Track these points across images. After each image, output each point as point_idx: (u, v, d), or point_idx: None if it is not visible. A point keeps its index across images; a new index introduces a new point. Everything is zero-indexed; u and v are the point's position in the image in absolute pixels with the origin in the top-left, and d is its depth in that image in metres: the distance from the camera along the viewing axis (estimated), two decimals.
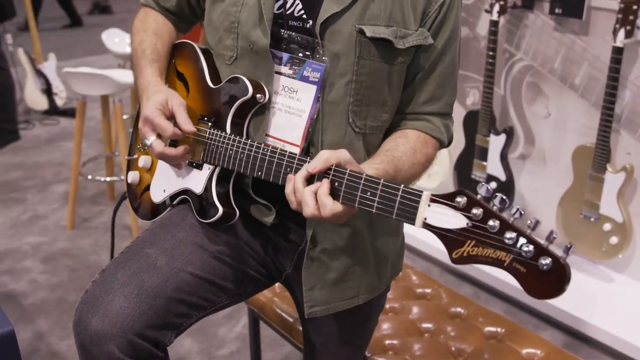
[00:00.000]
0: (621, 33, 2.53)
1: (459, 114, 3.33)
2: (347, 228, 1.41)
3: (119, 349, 1.23)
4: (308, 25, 1.33)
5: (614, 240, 2.74)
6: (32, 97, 5.40)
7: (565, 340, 2.72)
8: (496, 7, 2.90)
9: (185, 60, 1.50)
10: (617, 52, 2.55)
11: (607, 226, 2.75)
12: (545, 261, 0.99)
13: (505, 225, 1.02)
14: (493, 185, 3.14)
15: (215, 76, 1.43)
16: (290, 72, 1.36)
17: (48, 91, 5.42)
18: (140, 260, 1.33)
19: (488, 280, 3.03)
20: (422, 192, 1.09)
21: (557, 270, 0.99)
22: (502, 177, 3.10)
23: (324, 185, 1.17)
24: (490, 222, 1.02)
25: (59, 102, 5.48)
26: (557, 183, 3.01)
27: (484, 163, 3.14)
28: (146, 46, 1.48)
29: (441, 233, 1.07)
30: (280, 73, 1.37)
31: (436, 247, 3.23)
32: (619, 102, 2.70)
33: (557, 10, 2.81)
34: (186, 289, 1.34)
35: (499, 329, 1.96)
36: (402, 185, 1.12)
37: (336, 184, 1.17)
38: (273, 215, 1.41)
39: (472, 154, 3.20)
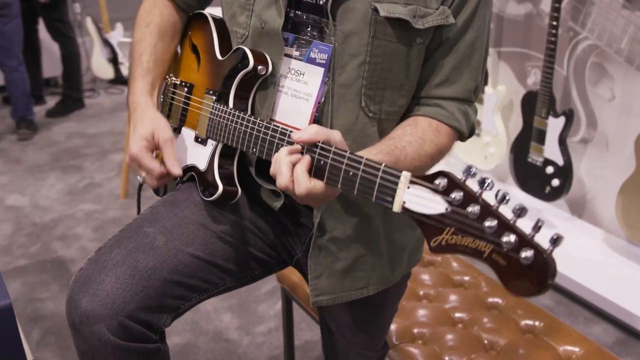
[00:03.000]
0: None
1: (519, 93, 3.19)
2: (359, 216, 1.33)
3: (109, 330, 1.19)
4: (321, 2, 1.24)
5: None
6: (99, 66, 5.48)
7: (619, 336, 2.58)
8: None
9: (199, 31, 1.44)
10: None
11: None
12: (527, 254, 0.86)
13: (486, 211, 0.90)
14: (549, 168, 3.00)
15: (226, 48, 1.37)
16: (297, 53, 1.27)
17: (114, 60, 5.48)
18: (137, 240, 1.29)
19: None
20: (401, 172, 1.00)
21: (540, 264, 0.86)
22: (560, 161, 2.95)
23: (303, 162, 1.10)
24: (470, 208, 0.91)
25: (125, 71, 5.54)
26: (619, 170, 2.85)
27: (542, 146, 3.00)
28: (144, 48, 1.39)
29: (419, 219, 0.97)
30: (287, 55, 1.28)
31: None
32: None
33: None
34: (184, 271, 1.29)
35: (537, 323, 1.85)
36: (384, 165, 1.03)
37: (322, 162, 1.10)
38: (281, 201, 1.34)
39: (529, 137, 3.06)
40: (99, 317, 1.19)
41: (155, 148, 1.32)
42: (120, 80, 5.55)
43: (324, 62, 1.25)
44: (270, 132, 1.20)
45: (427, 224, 0.96)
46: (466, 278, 2.07)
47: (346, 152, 1.08)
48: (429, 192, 0.96)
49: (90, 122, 4.89)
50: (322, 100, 1.26)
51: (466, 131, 1.33)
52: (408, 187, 0.99)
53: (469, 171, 0.94)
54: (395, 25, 1.21)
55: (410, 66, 1.27)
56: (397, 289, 1.51)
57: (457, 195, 0.93)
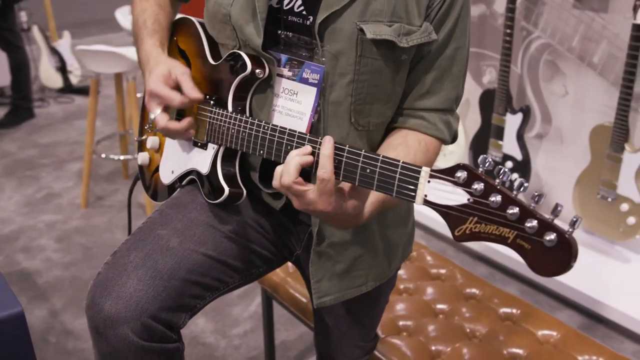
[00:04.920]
0: None
1: (475, 92, 3.29)
2: None
3: (133, 332, 1.21)
4: (308, 22, 1.28)
5: (631, 220, 2.71)
6: (47, 75, 5.41)
7: (582, 322, 2.70)
8: None
9: (186, 36, 1.46)
10: (637, 29, 2.50)
11: (624, 206, 2.71)
12: (550, 237, 0.92)
13: (508, 200, 0.96)
14: (507, 162, 3.11)
15: (216, 52, 1.39)
16: (290, 74, 1.31)
17: (63, 69, 5.42)
18: (152, 242, 1.31)
19: (503, 261, 3.01)
20: (421, 167, 1.05)
21: (563, 246, 0.93)
22: (519, 156, 3.06)
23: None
24: (492, 197, 0.97)
25: (74, 80, 5.49)
26: (575, 163, 2.97)
27: (500, 142, 3.10)
28: (148, 16, 1.43)
29: (442, 210, 1.03)
30: (280, 75, 1.32)
31: None
32: (638, 81, 2.65)
33: None
34: (199, 270, 1.32)
35: (514, 310, 1.94)
36: (401, 161, 1.07)
37: (336, 161, 1.13)
38: (282, 202, 1.39)
39: (488, 133, 3.16)
40: (123, 320, 1.21)
41: (173, 84, 1.32)
42: (69, 89, 5.49)
43: (316, 81, 1.28)
44: (277, 133, 1.22)
45: (450, 214, 1.02)
46: (442, 271, 2.15)
47: (361, 150, 1.11)
48: (449, 185, 1.01)
49: (42, 132, 4.82)
50: (316, 118, 1.30)
51: (449, 140, 1.39)
52: (428, 181, 1.04)
53: (484, 162, 1.00)
54: (380, 45, 1.25)
55: (396, 80, 1.31)
56: (390, 282, 1.57)
57: (478, 186, 0.98)
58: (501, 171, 0.98)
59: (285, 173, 1.13)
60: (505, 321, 1.92)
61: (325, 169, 1.11)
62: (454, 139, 1.40)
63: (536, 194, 0.95)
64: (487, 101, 3.16)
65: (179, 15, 1.53)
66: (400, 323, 1.90)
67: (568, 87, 2.96)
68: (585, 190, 2.84)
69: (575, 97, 2.95)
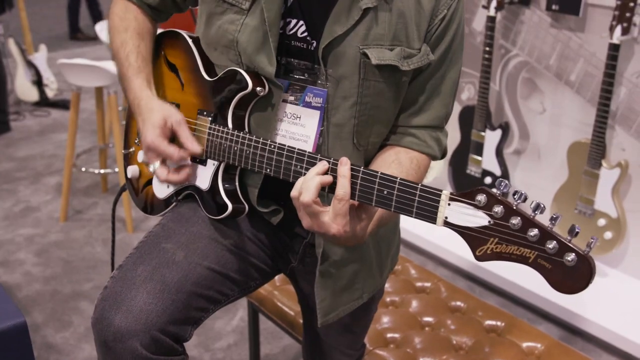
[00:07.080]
0: (617, 30, 2.55)
1: (454, 109, 3.34)
2: None
3: (142, 346, 1.22)
4: (312, 47, 1.30)
5: (608, 235, 2.77)
6: (23, 88, 5.37)
7: (560, 334, 2.75)
8: (493, 3, 2.91)
9: (176, 50, 1.46)
10: (613, 49, 2.57)
11: (601, 221, 2.77)
12: (570, 257, 0.98)
13: (528, 223, 1.00)
14: (504, 181, 3.16)
15: (210, 68, 1.40)
16: (292, 98, 1.34)
17: (39, 82, 5.38)
18: (158, 256, 1.32)
19: (483, 275, 3.05)
20: (441, 191, 1.08)
21: (583, 265, 0.98)
22: (497, 172, 3.12)
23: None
24: (513, 220, 1.01)
25: (50, 93, 5.45)
26: (552, 179, 3.03)
27: (479, 158, 3.16)
28: (129, 50, 1.41)
29: (463, 231, 1.06)
30: (283, 100, 1.34)
31: (431, 242, 3.24)
32: (615, 99, 2.72)
33: (553, 7, 2.83)
34: (204, 283, 1.33)
35: (498, 323, 1.98)
36: (420, 184, 1.10)
37: (351, 182, 1.15)
38: (280, 216, 1.41)
39: (467, 149, 3.21)
40: (132, 333, 1.21)
41: (169, 134, 1.33)
42: (45, 102, 5.46)
43: (319, 105, 1.31)
44: (285, 152, 1.24)
45: (471, 235, 1.05)
46: (427, 284, 2.18)
47: (377, 172, 1.13)
48: (470, 208, 1.04)
49: (19, 146, 4.78)
50: (320, 140, 1.33)
51: (439, 156, 1.42)
52: (449, 204, 1.07)
53: (500, 185, 1.03)
54: (383, 68, 1.29)
55: (396, 102, 1.35)
56: (380, 290, 1.61)
57: (498, 209, 1.02)
58: (518, 194, 1.01)
59: (305, 191, 1.14)
60: (490, 333, 1.95)
61: (344, 188, 1.13)
62: (443, 154, 1.44)
63: (553, 216, 1.00)
64: (466, 118, 3.21)
65: (164, 29, 1.52)
66: (388, 335, 1.93)
67: (545, 104, 3.03)
68: (563, 205, 2.90)
69: (552, 114, 3.02)
